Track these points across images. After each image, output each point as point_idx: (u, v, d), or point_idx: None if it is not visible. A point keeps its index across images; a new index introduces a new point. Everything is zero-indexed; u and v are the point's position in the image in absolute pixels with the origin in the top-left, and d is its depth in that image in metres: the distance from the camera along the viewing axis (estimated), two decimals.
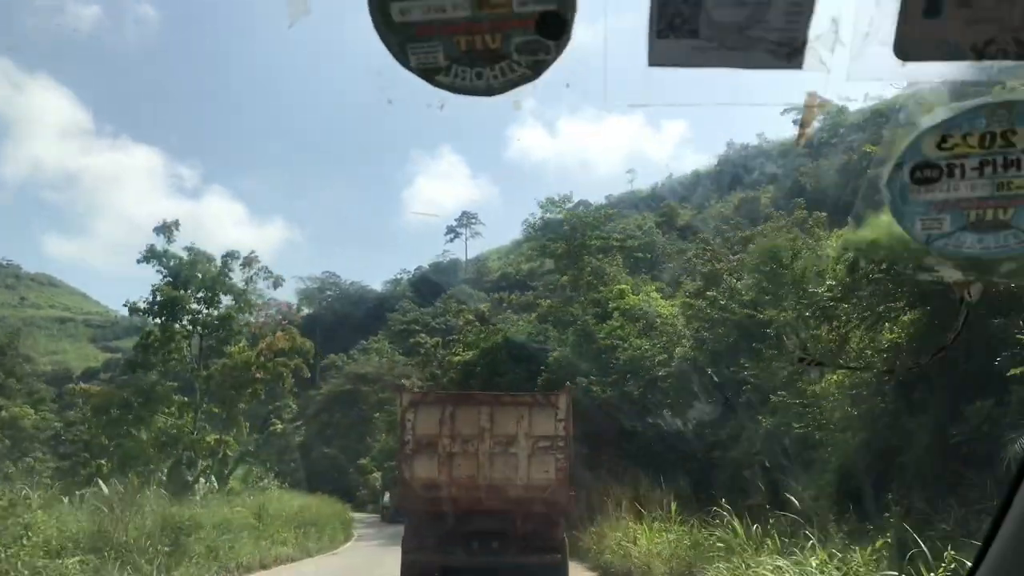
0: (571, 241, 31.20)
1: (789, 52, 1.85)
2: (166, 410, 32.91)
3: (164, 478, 26.11)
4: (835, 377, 12.90)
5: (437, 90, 1.95)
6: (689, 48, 1.84)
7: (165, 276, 33.53)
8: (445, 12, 1.81)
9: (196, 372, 34.13)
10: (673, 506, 15.94)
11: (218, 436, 33.29)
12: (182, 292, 33.30)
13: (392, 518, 34.05)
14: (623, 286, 27.12)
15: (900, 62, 1.85)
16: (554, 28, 1.83)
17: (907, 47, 1.83)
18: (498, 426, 12.60)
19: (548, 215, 34.48)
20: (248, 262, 34.96)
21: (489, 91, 1.95)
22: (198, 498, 23.50)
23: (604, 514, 19.30)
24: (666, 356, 21.91)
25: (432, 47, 1.87)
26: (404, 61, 1.90)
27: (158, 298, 32.83)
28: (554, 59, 1.89)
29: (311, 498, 34.00)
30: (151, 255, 33.17)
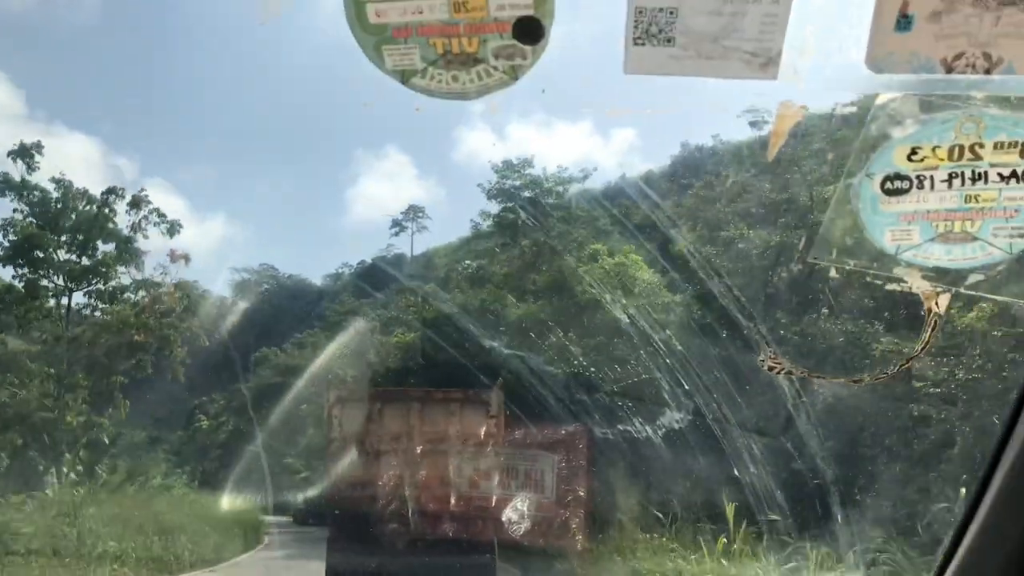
0: (535, 207, 28.94)
1: (763, 62, 1.87)
2: (14, 380, 25.69)
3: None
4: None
5: (414, 93, 1.96)
6: (665, 56, 1.86)
7: (26, 215, 26.36)
8: (422, 14, 1.81)
9: (62, 335, 27.16)
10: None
11: (85, 417, 26.85)
12: (48, 235, 26.27)
13: (304, 520, 30.89)
14: (597, 246, 24.31)
15: (872, 74, 1.88)
16: (531, 33, 1.83)
17: (878, 60, 1.86)
18: (428, 424, 12.33)
19: (507, 182, 32.20)
20: (136, 203, 27.47)
21: (464, 95, 1.95)
22: (27, 498, 18.76)
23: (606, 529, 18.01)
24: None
25: (408, 49, 1.87)
26: (379, 62, 1.90)
27: (13, 239, 25.78)
28: (531, 64, 1.90)
29: (214, 499, 29.48)
30: (5, 186, 26.06)
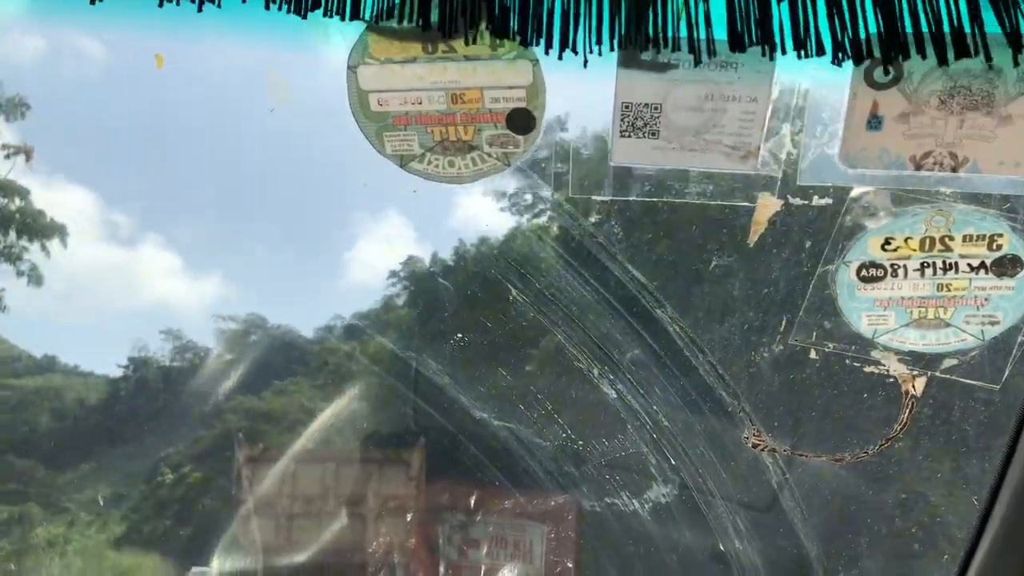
0: (524, 281, 29.04)
1: (743, 155, 1.97)
2: None
3: None
4: None
5: (411, 176, 2.05)
6: (649, 148, 1.96)
7: None
8: (422, 104, 1.92)
9: None
10: None
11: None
12: None
13: None
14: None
15: (846, 169, 1.98)
16: (523, 124, 1.94)
17: (852, 155, 1.97)
18: (344, 485, 11.76)
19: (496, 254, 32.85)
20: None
21: (460, 179, 2.05)
22: None
23: None
24: None
25: (408, 136, 1.97)
26: (380, 147, 1.99)
27: None
28: (523, 152, 2.00)
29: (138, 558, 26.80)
30: None
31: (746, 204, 2.19)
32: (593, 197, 2.11)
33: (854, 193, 2.17)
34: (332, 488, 11.66)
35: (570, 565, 16.07)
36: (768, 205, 2.14)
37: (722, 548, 13.36)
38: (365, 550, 11.60)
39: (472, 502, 13.21)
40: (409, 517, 11.82)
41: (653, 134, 1.94)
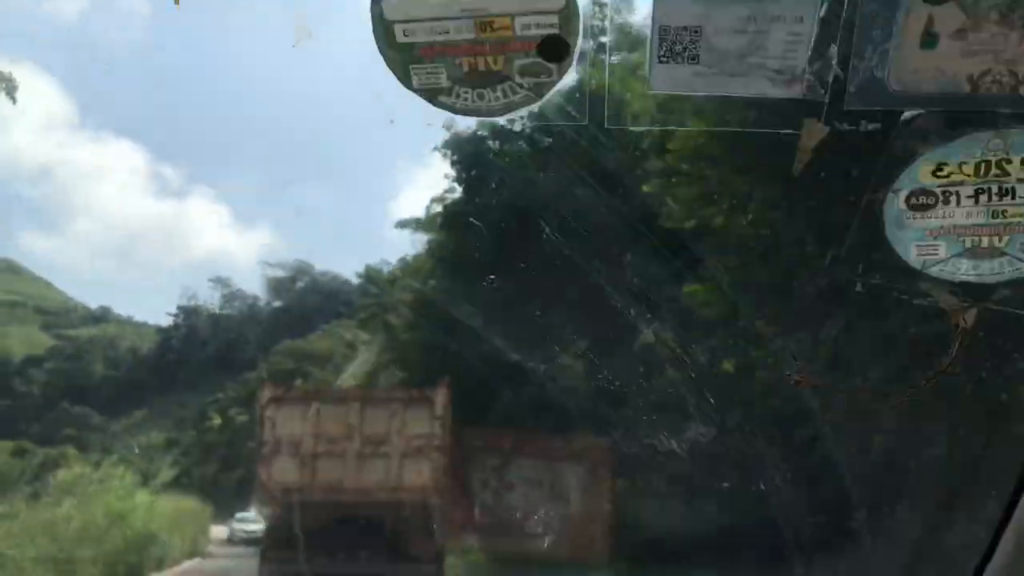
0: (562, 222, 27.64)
1: (788, 80, 1.88)
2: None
3: None
4: None
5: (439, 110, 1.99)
6: (690, 74, 1.87)
7: None
8: (449, 34, 1.84)
9: None
10: None
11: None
12: None
13: (240, 540, 24.16)
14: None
15: (897, 91, 1.88)
16: (556, 51, 1.85)
17: (904, 77, 1.86)
18: (368, 425, 11.44)
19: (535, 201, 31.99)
20: None
21: (490, 112, 1.97)
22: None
23: None
24: None
25: (435, 68, 1.89)
26: (407, 82, 1.92)
27: None
28: (556, 81, 1.92)
29: (182, 503, 25.33)
30: None
31: (791, 132, 2.10)
32: (631, 127, 2.03)
33: (905, 117, 2.06)
34: (356, 428, 11.63)
35: (607, 506, 16.02)
36: (814, 132, 2.05)
37: (762, 487, 13.35)
38: (391, 489, 11.55)
39: (507, 444, 13.08)
40: (435, 457, 11.73)
41: (693, 59, 1.85)
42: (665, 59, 1.86)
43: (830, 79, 1.89)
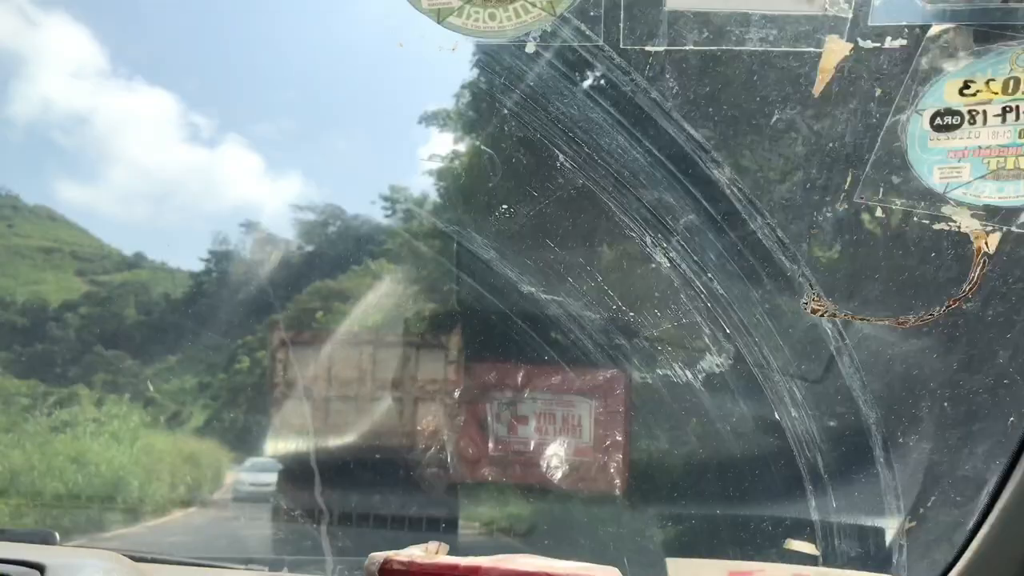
0: (575, 148, 27.63)
1: None
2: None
3: None
4: None
5: (450, 32, 1.93)
6: None
7: None
8: None
9: None
10: None
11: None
12: None
13: (245, 494, 21.47)
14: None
15: (923, 4, 1.81)
16: None
17: None
18: (381, 368, 11.40)
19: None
20: None
21: (502, 33, 1.92)
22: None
23: None
24: None
25: None
26: (415, 2, 1.87)
27: None
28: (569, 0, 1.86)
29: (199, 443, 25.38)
30: None
31: (812, 50, 2.03)
32: (646, 47, 1.97)
33: (932, 32, 1.99)
34: (369, 372, 11.61)
35: (620, 438, 16.27)
36: (836, 50, 1.98)
37: (777, 417, 13.47)
38: (406, 433, 11.58)
39: (519, 378, 13.20)
40: (449, 401, 11.67)
41: None
42: None
43: None
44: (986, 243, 2.37)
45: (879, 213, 3.12)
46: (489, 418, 12.25)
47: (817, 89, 2.04)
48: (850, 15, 1.87)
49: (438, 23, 1.89)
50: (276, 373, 11.79)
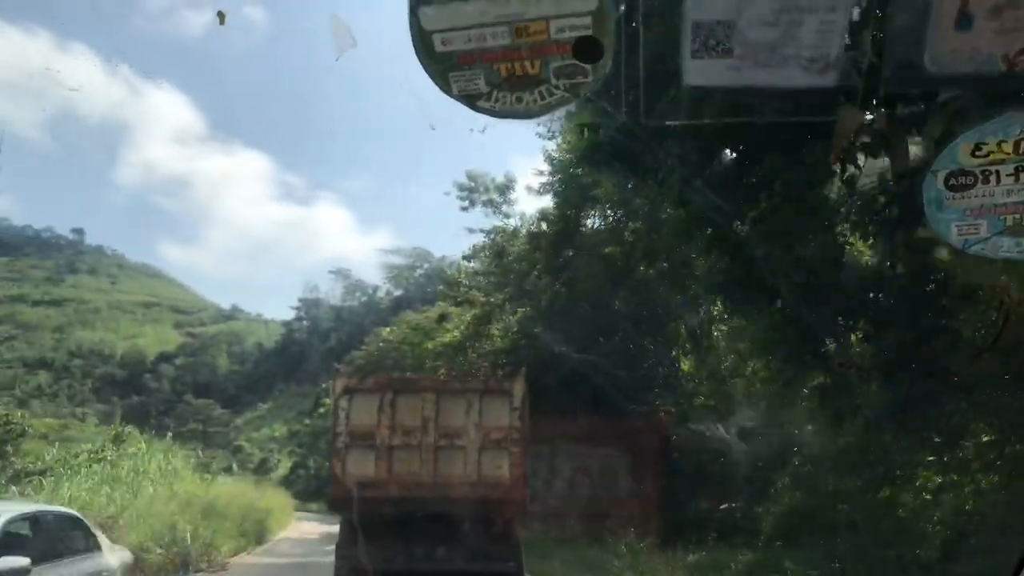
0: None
1: (821, 68, 1.89)
2: None
3: None
4: None
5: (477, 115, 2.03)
6: (723, 67, 1.89)
7: None
8: (486, 41, 1.88)
9: None
10: None
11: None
12: None
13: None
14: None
15: (933, 73, 1.89)
16: (591, 52, 1.89)
17: (939, 58, 1.87)
18: (444, 416, 11.11)
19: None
20: None
21: (528, 114, 2.01)
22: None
23: None
24: None
25: (474, 75, 1.93)
26: (446, 89, 1.97)
27: None
28: (592, 81, 1.95)
29: (231, 488, 25.24)
30: None
31: (826, 119, 2.11)
32: (667, 122, 2.05)
33: (942, 98, 2.07)
34: (432, 419, 11.27)
35: (658, 489, 15.63)
36: (850, 118, 2.06)
37: (809, 468, 13.03)
38: (469, 483, 11.19)
39: (565, 431, 12.69)
40: (513, 449, 11.31)
41: (727, 52, 1.88)
42: (699, 54, 1.89)
43: (864, 65, 1.90)
44: (1008, 296, 2.41)
45: (900, 271, 3.19)
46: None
47: (834, 158, 2.12)
48: (862, 85, 1.95)
49: (470, 107, 1.99)
50: (337, 421, 11.33)
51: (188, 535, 15.41)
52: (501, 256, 25.74)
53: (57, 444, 22.44)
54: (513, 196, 26.75)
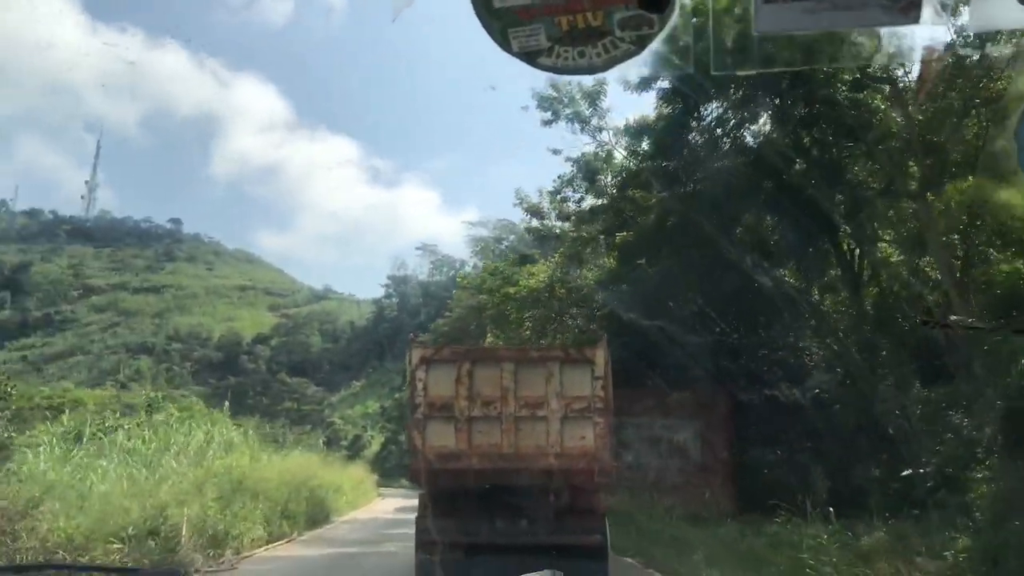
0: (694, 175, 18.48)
1: (904, 6, 1.77)
2: None
3: None
4: None
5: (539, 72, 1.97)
6: (798, 11, 1.79)
7: None
8: None
9: None
10: None
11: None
12: None
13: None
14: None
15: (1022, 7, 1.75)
16: (657, 1, 1.81)
17: None
18: (524, 386, 10.99)
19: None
20: None
21: (591, 69, 1.94)
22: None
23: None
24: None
25: (534, 30, 1.87)
26: (506, 46, 1.91)
27: None
28: (658, 32, 1.87)
29: (311, 464, 25.83)
30: None
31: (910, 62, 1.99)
32: (738, 72, 1.96)
33: None
34: (511, 389, 11.24)
35: (725, 455, 15.61)
36: (936, 59, 1.93)
37: (890, 431, 12.88)
38: (552, 454, 11.15)
39: (633, 402, 12.59)
40: (596, 419, 11.23)
41: None
42: None
43: (951, 1, 1.78)
44: None
45: (988, 218, 3.01)
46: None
47: (919, 96, 1.99)
48: (948, 24, 1.83)
49: (530, 64, 1.93)
50: (414, 393, 11.32)
51: (184, 523, 13.07)
52: (593, 179, 23.13)
53: (67, 413, 20.43)
54: (605, 106, 21.51)
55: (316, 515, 22.25)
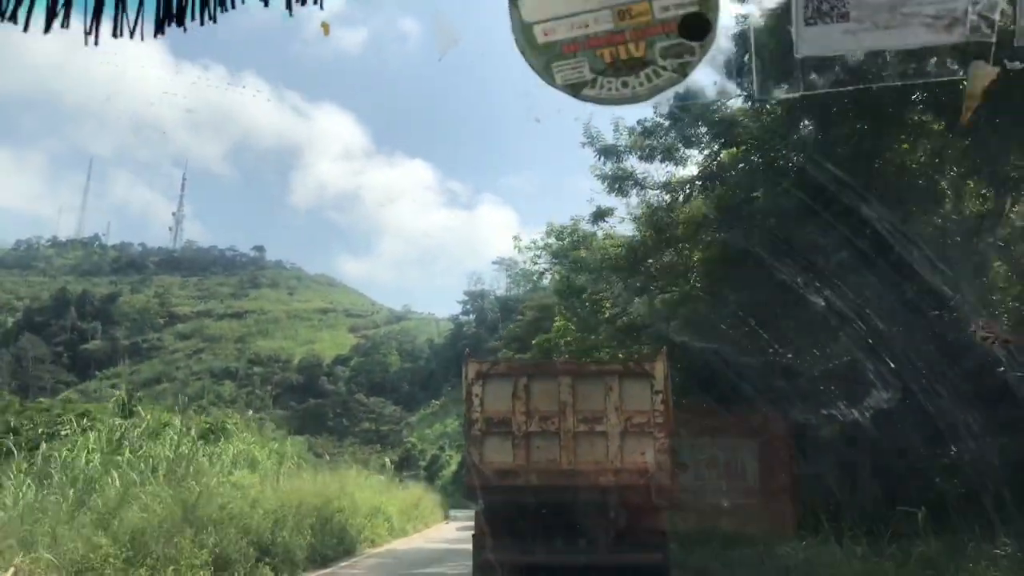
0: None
1: (947, 24, 1.77)
2: None
3: None
4: None
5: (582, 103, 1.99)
6: (839, 33, 1.80)
7: None
8: (588, 27, 1.85)
9: None
10: None
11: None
12: None
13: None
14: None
15: None
16: (697, 29, 1.83)
17: None
18: (582, 401, 10.78)
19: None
20: None
21: (635, 99, 1.97)
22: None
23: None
24: None
25: (578, 63, 1.91)
26: (549, 80, 1.94)
27: None
28: (700, 59, 1.89)
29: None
30: None
31: (956, 78, 1.98)
32: (783, 96, 1.97)
33: None
34: (569, 404, 11.00)
35: (785, 478, 14.96)
36: (982, 75, 1.92)
37: (953, 450, 12.42)
38: (611, 471, 10.86)
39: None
40: (657, 434, 10.91)
41: (842, 17, 1.78)
42: (812, 20, 1.80)
43: (996, 16, 1.77)
44: None
45: None
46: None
47: (965, 118, 1.98)
48: (994, 38, 1.82)
49: (574, 97, 1.96)
50: (471, 408, 11.08)
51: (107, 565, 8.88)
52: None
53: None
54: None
55: (333, 548, 15.94)
